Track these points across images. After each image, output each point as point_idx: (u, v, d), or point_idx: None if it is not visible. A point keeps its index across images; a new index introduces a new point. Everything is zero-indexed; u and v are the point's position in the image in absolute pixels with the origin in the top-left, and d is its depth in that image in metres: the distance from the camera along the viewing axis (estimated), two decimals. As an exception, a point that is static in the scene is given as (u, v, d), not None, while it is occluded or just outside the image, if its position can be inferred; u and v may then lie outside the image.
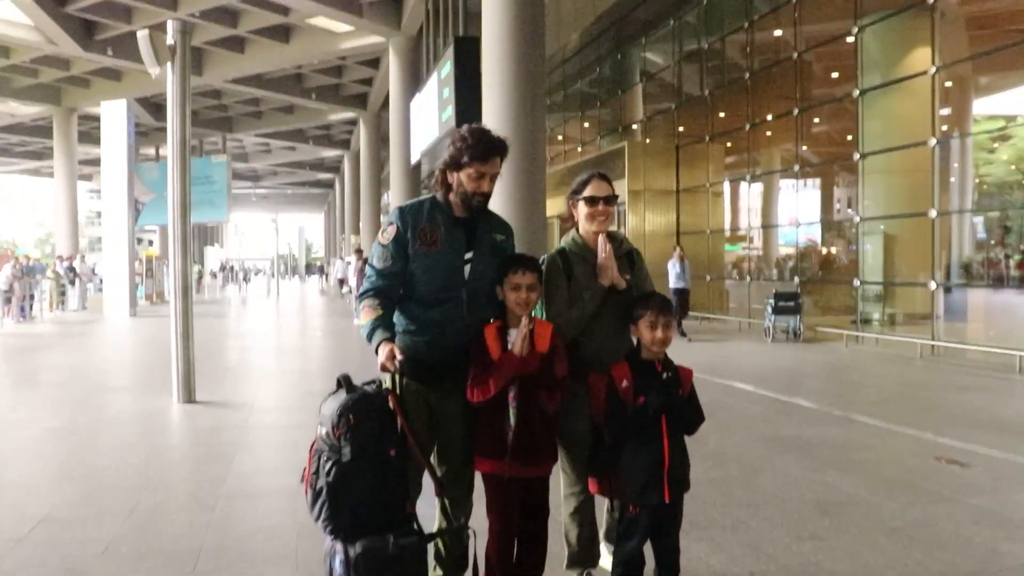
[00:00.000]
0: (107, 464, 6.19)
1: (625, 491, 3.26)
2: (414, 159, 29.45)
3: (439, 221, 3.26)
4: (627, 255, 3.66)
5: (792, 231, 18.99)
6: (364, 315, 3.18)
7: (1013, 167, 14.94)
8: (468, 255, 3.26)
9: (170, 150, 8.91)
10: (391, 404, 2.99)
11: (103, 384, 10.43)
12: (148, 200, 30.25)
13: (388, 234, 3.25)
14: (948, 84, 13.80)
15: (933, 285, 13.33)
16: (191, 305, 8.94)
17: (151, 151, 49.48)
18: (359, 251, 25.06)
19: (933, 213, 13.28)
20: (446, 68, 21.59)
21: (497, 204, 13.44)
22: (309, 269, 71.54)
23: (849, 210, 17.35)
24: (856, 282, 15.17)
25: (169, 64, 8.83)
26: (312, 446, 2.96)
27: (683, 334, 15.24)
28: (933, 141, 13.19)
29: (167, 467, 6.16)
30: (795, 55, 16.57)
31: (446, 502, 3.30)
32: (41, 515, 4.87)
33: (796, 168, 17.13)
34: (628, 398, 3.23)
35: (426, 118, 25.61)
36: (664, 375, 3.26)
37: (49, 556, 4.22)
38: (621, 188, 20.73)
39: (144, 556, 4.23)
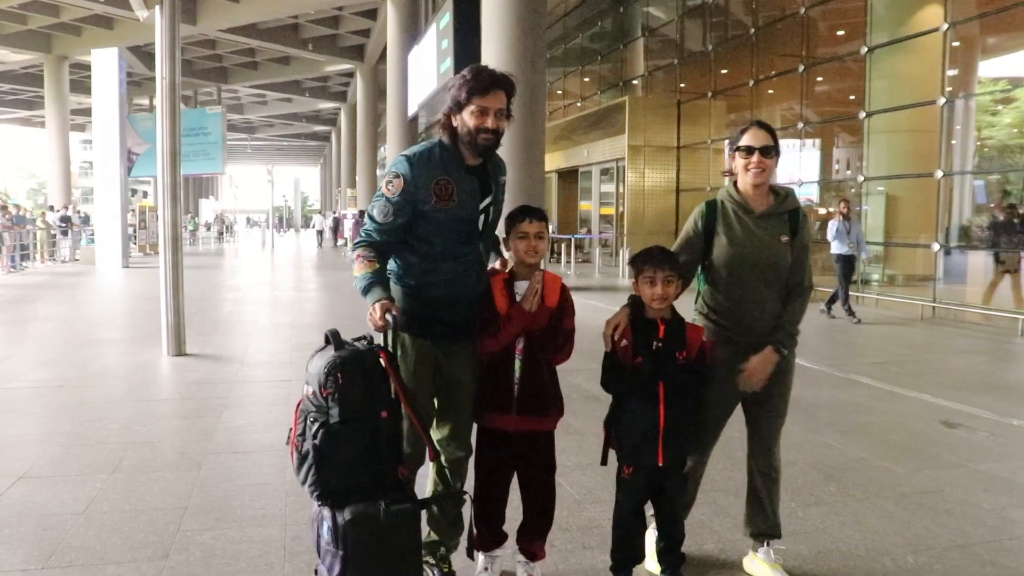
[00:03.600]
0: (92, 419, 6.03)
1: (620, 450, 3.16)
2: (411, 112, 29.17)
3: (452, 171, 3.03)
4: (790, 214, 3.32)
5: (795, 190, 18.76)
6: (358, 266, 2.97)
7: (1016, 130, 14.73)
8: (485, 203, 3.10)
9: (159, 98, 8.64)
10: (382, 362, 2.77)
11: (92, 336, 10.23)
12: (142, 151, 29.85)
13: (394, 187, 2.99)
14: (955, 44, 13.52)
15: (936, 247, 13.15)
16: (181, 257, 8.72)
17: (145, 101, 48.95)
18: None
19: (939, 174, 13.07)
20: (445, 19, 21.24)
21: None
22: (307, 222, 71.06)
23: (848, 172, 17.11)
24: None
25: (158, 7, 8.53)
26: (298, 405, 2.78)
27: (850, 313, 12.28)
28: (942, 100, 12.94)
29: (154, 422, 6.00)
30: (802, 11, 16.21)
31: (444, 465, 3.20)
32: (21, 472, 4.72)
33: (800, 126, 16.85)
34: (626, 357, 3.08)
35: (424, 70, 25.29)
36: (655, 344, 3.06)
37: (26, 515, 4.06)
38: (620, 144, 20.47)
39: (126, 515, 4.07)
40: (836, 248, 12.44)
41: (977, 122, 14.41)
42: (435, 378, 3.15)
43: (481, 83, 2.98)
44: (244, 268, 25.04)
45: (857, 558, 3.63)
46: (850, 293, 12.63)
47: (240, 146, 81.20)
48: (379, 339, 2.92)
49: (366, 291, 2.93)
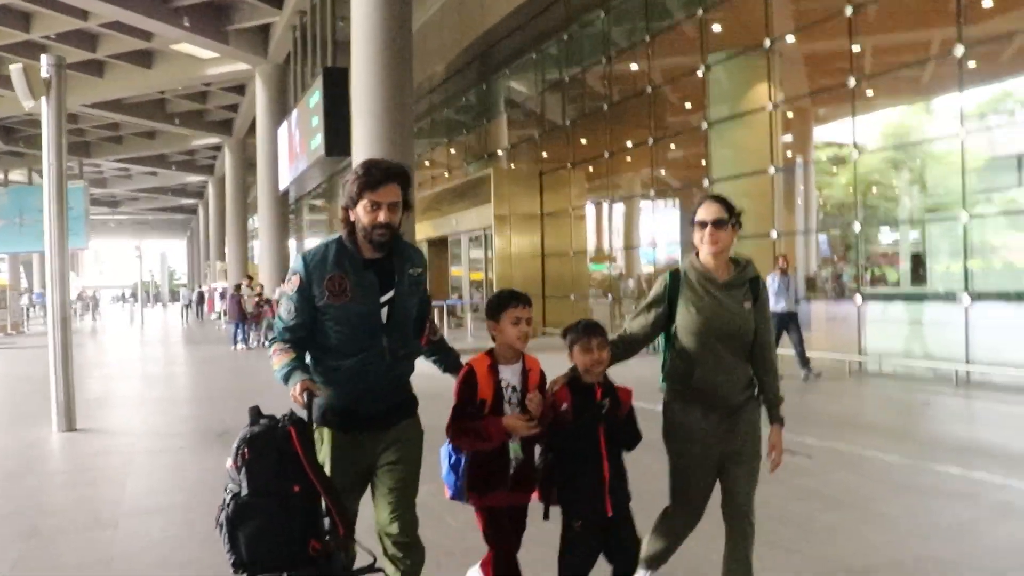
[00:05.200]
0: (-3, 492, 6.35)
1: (570, 507, 3.30)
2: (282, 186, 29.49)
3: (347, 267, 3.06)
4: (750, 282, 3.47)
5: (650, 251, 20.13)
6: (276, 360, 3.05)
7: (851, 188, 16.33)
8: (387, 296, 3.11)
9: (46, 182, 9.01)
10: (292, 439, 2.87)
11: (-28, 418, 10.31)
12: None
13: (292, 284, 3.09)
14: (790, 115, 15.15)
15: (777, 299, 14.52)
16: (70, 335, 9.03)
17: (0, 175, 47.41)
18: (250, 277, 25.05)
19: (774, 234, 14.54)
20: (315, 97, 21.89)
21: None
22: (174, 296, 69.38)
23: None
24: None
25: (44, 98, 8.94)
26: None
27: (808, 370, 11.84)
28: (772, 170, 14.47)
29: (61, 492, 6.38)
30: (649, 89, 17.70)
31: (388, 552, 3.12)
32: (-59, 541, 5.05)
33: (652, 193, 18.26)
34: (566, 419, 3.28)
35: (294, 146, 25.74)
36: (603, 401, 3.31)
37: (-44, 577, 4.44)
38: (487, 213, 21.46)
39: (54, 572, 4.51)
40: (773, 305, 11.08)
41: (818, 183, 16.00)
42: (364, 466, 3.16)
43: (372, 178, 3.02)
44: (116, 345, 24.65)
45: (693, 560, 4.43)
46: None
47: (103, 221, 78.89)
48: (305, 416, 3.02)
49: (286, 378, 2.98)
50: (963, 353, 11.14)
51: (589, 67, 20.25)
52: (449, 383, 3.36)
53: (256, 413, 2.93)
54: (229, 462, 2.83)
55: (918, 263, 13.71)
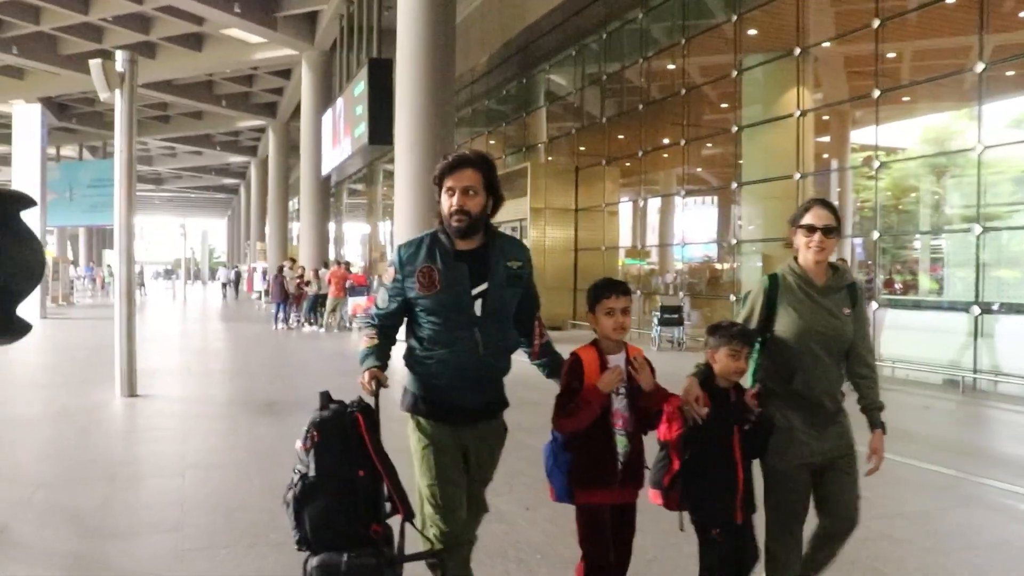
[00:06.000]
0: (74, 445, 7.18)
1: (707, 515, 3.27)
2: (324, 172, 30.30)
3: (438, 258, 3.10)
4: (848, 287, 3.43)
5: (679, 250, 20.72)
6: (363, 343, 3.21)
7: (890, 193, 16.59)
8: (479, 288, 3.11)
9: (117, 168, 9.88)
10: (360, 424, 2.97)
11: (40, 382, 11.22)
12: (49, 201, 30.27)
13: (388, 276, 3.21)
14: (825, 118, 15.58)
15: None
16: (134, 308, 9.87)
17: (51, 151, 48.74)
18: (293, 259, 25.65)
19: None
20: (360, 87, 22.63)
21: (409, 219, 14.51)
22: (213, 274, 70.74)
23: (729, 233, 19.07)
24: (732, 298, 16.84)
25: (119, 90, 9.76)
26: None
27: None
28: (798, 175, 14.99)
29: (131, 447, 7.23)
30: (683, 91, 18.23)
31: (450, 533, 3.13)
32: (37, 482, 5.86)
33: (682, 193, 18.82)
34: (707, 423, 3.23)
35: (338, 133, 26.52)
36: (734, 399, 3.30)
37: (56, 510, 5.25)
38: (523, 205, 22.12)
39: (137, 506, 5.33)
40: None
41: (855, 186, 16.39)
42: (457, 455, 3.17)
43: (446, 163, 3.08)
44: (163, 320, 25.66)
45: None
46: None
47: (147, 197, 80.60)
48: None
49: (362, 361, 3.14)
50: (971, 362, 11.59)
51: (627, 65, 20.78)
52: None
53: (327, 398, 3.05)
54: (299, 444, 2.95)
55: (933, 273, 14.11)
